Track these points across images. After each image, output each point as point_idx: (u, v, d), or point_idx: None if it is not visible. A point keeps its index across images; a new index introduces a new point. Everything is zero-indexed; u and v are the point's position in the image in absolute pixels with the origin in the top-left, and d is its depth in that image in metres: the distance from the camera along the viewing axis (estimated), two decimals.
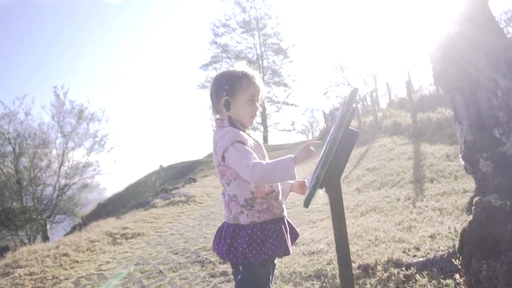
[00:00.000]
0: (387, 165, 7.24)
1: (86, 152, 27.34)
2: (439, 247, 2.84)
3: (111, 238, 5.72)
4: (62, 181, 26.33)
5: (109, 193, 31.60)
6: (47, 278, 4.28)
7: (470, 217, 2.21)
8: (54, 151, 26.53)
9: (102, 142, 27.51)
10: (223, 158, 1.83)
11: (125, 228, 6.11)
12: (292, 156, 1.76)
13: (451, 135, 8.39)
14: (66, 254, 4.96)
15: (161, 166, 32.87)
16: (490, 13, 2.32)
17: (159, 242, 5.35)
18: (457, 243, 2.38)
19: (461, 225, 2.32)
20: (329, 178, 1.80)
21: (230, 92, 1.91)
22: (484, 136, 2.16)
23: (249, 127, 2.08)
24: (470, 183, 4.65)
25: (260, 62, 38.18)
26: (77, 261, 4.78)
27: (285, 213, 2.04)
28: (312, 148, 1.82)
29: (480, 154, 2.16)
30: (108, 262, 4.67)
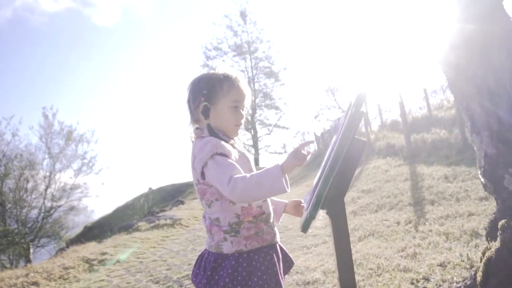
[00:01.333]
0: (383, 187, 6.93)
1: (74, 174, 26.79)
2: (453, 278, 2.49)
3: (87, 265, 5.26)
4: (48, 204, 25.68)
5: (97, 215, 30.88)
6: None
7: (495, 244, 1.88)
8: (41, 173, 25.91)
9: (90, 164, 27.01)
10: (202, 174, 1.53)
11: (103, 253, 5.66)
12: (279, 164, 1.43)
13: (447, 156, 8.15)
14: (35, 283, 4.49)
15: (150, 188, 32.28)
16: (506, 9, 2.05)
17: (139, 269, 4.91)
18: (474, 273, 2.04)
19: (482, 253, 1.99)
20: (332, 197, 1.48)
21: (209, 97, 1.62)
22: (509, 148, 1.86)
23: (234, 138, 1.77)
24: (474, 206, 4.35)
25: (252, 85, 38.24)
26: None
27: (277, 238, 1.70)
28: (304, 152, 1.46)
29: (505, 169, 1.86)
30: None
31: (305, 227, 1.45)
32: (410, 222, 4.36)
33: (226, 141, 1.62)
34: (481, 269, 1.89)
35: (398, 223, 4.48)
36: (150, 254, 5.67)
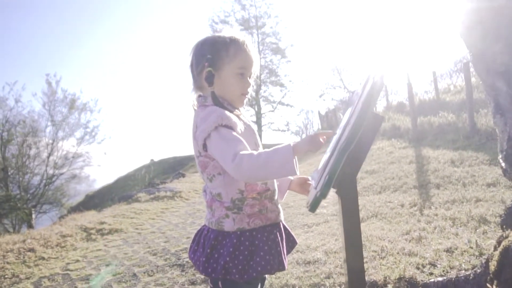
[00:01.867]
0: (387, 168, 6.81)
1: (76, 143, 26.88)
2: (461, 265, 2.39)
3: (85, 234, 5.21)
4: (50, 171, 25.84)
5: (99, 184, 31.14)
6: (6, 276, 3.78)
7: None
8: (43, 140, 25.95)
9: (93, 133, 27.05)
10: (204, 146, 1.42)
11: (102, 223, 5.61)
12: (291, 144, 1.32)
13: (454, 140, 8.00)
14: (32, 250, 4.45)
15: (152, 160, 32.34)
16: None
17: (137, 240, 4.86)
18: (485, 262, 1.93)
19: (497, 242, 1.88)
20: (343, 175, 1.36)
21: (214, 62, 1.49)
22: None
23: (239, 108, 1.64)
24: (481, 192, 4.23)
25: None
26: (43, 258, 4.28)
27: (281, 216, 1.60)
28: (321, 140, 1.37)
29: None
30: (78, 260, 4.17)
31: (313, 206, 1.33)
32: (415, 205, 4.26)
33: (231, 111, 1.49)
34: (495, 258, 1.78)
35: (402, 205, 4.38)
36: (149, 226, 5.62)
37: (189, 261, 3.68)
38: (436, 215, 3.73)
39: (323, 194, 1.20)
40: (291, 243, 1.65)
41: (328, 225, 4.20)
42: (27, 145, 25.39)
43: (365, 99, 1.16)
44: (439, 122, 9.72)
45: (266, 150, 1.34)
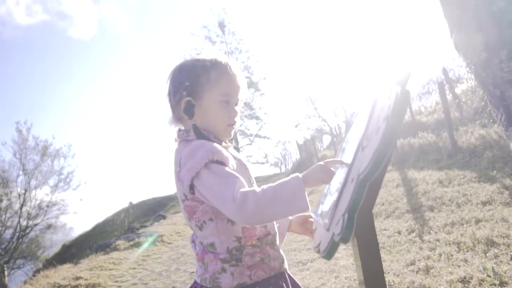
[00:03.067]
0: None
1: (50, 191, 25.97)
2: None
3: None
4: (24, 222, 24.73)
5: (76, 232, 29.96)
6: None
7: None
8: (16, 190, 24.89)
9: (67, 180, 26.25)
10: (191, 188, 1.19)
11: (77, 278, 5.13)
12: (300, 175, 1.14)
13: (437, 160, 7.93)
14: None
15: (130, 203, 31.40)
16: None
17: None
18: None
19: None
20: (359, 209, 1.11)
21: (193, 90, 1.29)
22: None
23: (227, 141, 1.40)
24: (478, 211, 4.06)
25: None
26: None
27: (285, 264, 1.34)
28: (333, 169, 1.20)
29: None
30: None
31: (330, 253, 1.08)
32: (413, 231, 4.04)
33: (219, 145, 1.26)
34: None
35: (399, 232, 4.15)
36: (130, 277, 5.17)
37: None
38: (438, 240, 3.50)
39: (344, 238, 0.95)
40: None
41: (324, 261, 3.91)
42: None
43: (390, 121, 0.93)
44: (419, 143, 9.71)
45: (271, 185, 1.12)
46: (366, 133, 1.13)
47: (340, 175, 1.27)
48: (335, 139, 19.33)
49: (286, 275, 1.32)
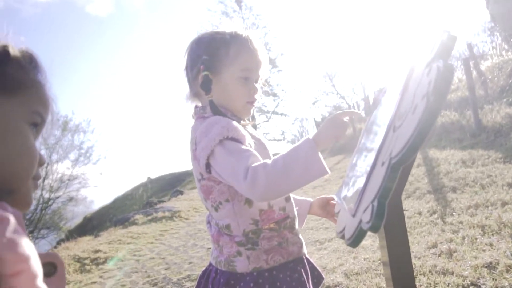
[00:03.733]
0: None
1: (71, 165, 26.47)
2: (511, 284, 2.06)
3: (79, 264, 4.84)
4: (46, 195, 25.40)
5: (97, 206, 30.72)
6: None
7: None
8: None
9: (87, 154, 26.72)
10: (207, 167, 1.14)
11: (97, 251, 5.24)
12: (310, 137, 1.08)
13: (460, 139, 7.71)
14: None
15: (149, 177, 31.89)
16: None
17: (135, 268, 4.49)
18: None
19: None
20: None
21: (211, 65, 1.22)
22: None
23: (246, 119, 1.33)
24: (504, 194, 3.91)
25: None
26: None
27: (304, 248, 1.28)
28: (345, 120, 1.13)
29: None
30: None
31: (356, 241, 1.00)
32: (434, 213, 3.93)
33: (237, 122, 1.19)
34: None
35: (420, 213, 4.05)
36: (148, 251, 5.25)
37: None
38: (461, 222, 3.39)
39: (374, 227, 0.87)
40: (317, 279, 1.35)
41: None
42: None
43: (431, 99, 0.83)
44: (441, 121, 9.44)
45: (281, 153, 1.06)
46: (398, 113, 1.03)
47: (368, 157, 1.19)
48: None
49: (305, 260, 1.26)
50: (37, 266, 0.46)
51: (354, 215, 1.07)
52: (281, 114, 37.38)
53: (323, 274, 1.37)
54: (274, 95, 37.43)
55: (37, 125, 0.65)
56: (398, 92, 1.13)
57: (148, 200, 13.81)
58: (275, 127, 50.25)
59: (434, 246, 2.99)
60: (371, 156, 1.16)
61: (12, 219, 0.45)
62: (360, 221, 0.98)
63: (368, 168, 1.13)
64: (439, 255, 2.78)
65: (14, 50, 0.62)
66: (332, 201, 1.46)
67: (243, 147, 1.11)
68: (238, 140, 1.10)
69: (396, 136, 0.95)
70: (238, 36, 1.24)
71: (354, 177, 1.33)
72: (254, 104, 1.28)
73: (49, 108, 0.68)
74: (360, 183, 1.17)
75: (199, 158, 1.12)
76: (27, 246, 0.46)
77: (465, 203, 3.88)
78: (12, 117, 0.60)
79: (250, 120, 1.37)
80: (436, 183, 5.08)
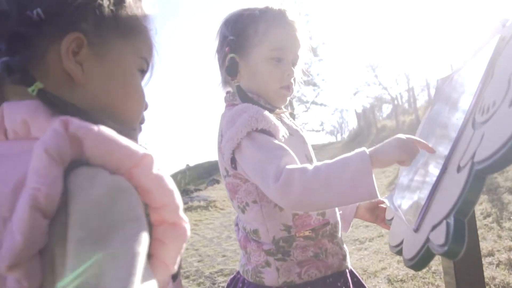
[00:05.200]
0: None
1: None
2: None
3: None
4: None
5: None
6: None
7: None
8: None
9: None
10: (233, 162, 1.01)
11: None
12: (367, 151, 0.89)
13: None
14: None
15: (187, 165, 32.35)
16: None
17: None
18: None
19: None
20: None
21: (239, 45, 1.08)
22: None
23: (281, 107, 1.15)
24: None
25: None
26: None
27: (347, 261, 1.09)
28: (417, 147, 0.91)
29: None
30: None
31: (421, 264, 0.80)
32: (488, 216, 3.59)
33: (271, 111, 1.05)
34: None
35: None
36: None
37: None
38: None
39: (453, 253, 0.67)
40: None
41: (384, 240, 3.61)
42: None
43: None
44: None
45: (327, 162, 0.89)
46: (482, 104, 0.80)
47: (432, 159, 0.97)
48: (396, 108, 18.36)
49: (348, 274, 1.08)
50: (178, 199, 0.50)
51: (416, 230, 0.87)
52: (321, 105, 36.81)
53: (363, 281, 1.19)
54: (314, 84, 36.84)
55: (143, 71, 0.65)
56: (476, 79, 0.91)
57: (185, 187, 13.93)
58: (314, 118, 49.67)
59: (491, 254, 2.70)
60: (437, 158, 0.95)
61: (155, 156, 0.47)
62: (427, 240, 0.77)
63: (432, 172, 0.92)
64: (497, 265, 2.49)
65: None
66: (382, 205, 1.27)
67: (276, 142, 0.95)
68: (269, 133, 0.95)
69: (480, 135, 0.73)
70: (269, 10, 1.08)
71: (413, 182, 1.12)
72: (290, 89, 1.11)
73: (153, 55, 0.67)
74: (422, 189, 0.96)
75: (224, 151, 0.98)
76: (169, 181, 0.49)
77: None
78: (127, 60, 0.61)
79: (288, 108, 1.20)
80: (489, 183, 4.68)
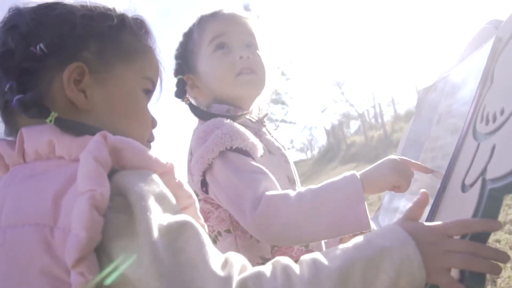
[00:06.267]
0: None
1: None
2: None
3: None
4: None
5: None
6: None
7: None
8: None
9: None
10: (203, 185, 0.89)
11: None
12: (357, 174, 0.79)
13: None
14: None
15: None
16: None
17: None
18: None
19: None
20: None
21: (185, 65, 1.05)
22: None
23: (264, 119, 1.04)
24: None
25: None
26: None
27: None
28: (412, 170, 0.83)
29: None
30: None
31: None
32: None
33: (244, 123, 0.96)
34: None
35: None
36: None
37: None
38: None
39: None
40: None
41: None
42: None
43: None
44: None
45: (312, 187, 0.79)
46: (483, 112, 0.70)
47: (424, 176, 0.86)
48: (364, 124, 18.71)
49: None
50: (196, 202, 0.59)
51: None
52: (290, 122, 37.11)
53: None
54: (283, 103, 37.19)
55: (148, 90, 0.67)
56: (470, 85, 0.81)
57: None
58: (284, 136, 50.23)
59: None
60: (429, 176, 0.84)
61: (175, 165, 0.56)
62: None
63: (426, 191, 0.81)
64: None
65: (128, 17, 0.63)
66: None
67: (253, 163, 0.84)
68: (245, 152, 0.85)
69: (489, 147, 0.62)
70: (202, 18, 1.02)
71: (402, 201, 1.01)
72: (251, 72, 0.97)
73: (159, 73, 0.69)
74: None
75: (193, 172, 0.87)
76: (188, 186, 0.58)
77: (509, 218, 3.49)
78: (130, 83, 0.63)
79: (260, 113, 1.08)
80: None
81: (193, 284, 0.44)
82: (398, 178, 0.77)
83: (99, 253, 0.44)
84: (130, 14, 0.64)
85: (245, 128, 0.90)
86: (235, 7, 1.04)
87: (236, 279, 0.47)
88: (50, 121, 0.54)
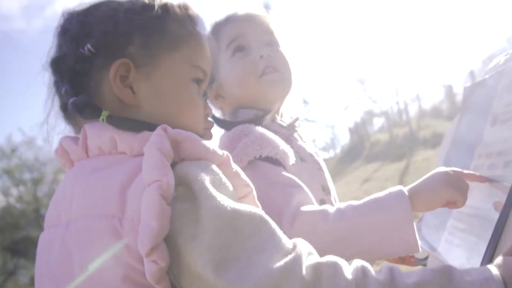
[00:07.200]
0: None
1: None
2: None
3: None
4: None
5: None
6: None
7: None
8: None
9: None
10: None
11: None
12: (405, 190, 0.71)
13: None
14: None
15: None
16: None
17: None
18: None
19: None
20: None
21: (211, 76, 0.90)
22: None
23: (296, 124, 1.02)
24: None
25: None
26: None
27: None
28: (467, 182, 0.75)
29: None
30: None
31: None
32: None
33: (274, 129, 0.89)
34: None
35: None
36: None
37: None
38: None
39: None
40: None
41: None
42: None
43: None
44: None
45: (352, 203, 0.73)
46: None
47: (478, 189, 0.76)
48: (388, 121, 18.36)
49: None
50: (254, 190, 0.60)
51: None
52: (311, 121, 36.90)
53: None
54: (304, 101, 37.00)
55: (199, 80, 0.65)
56: None
57: None
58: (306, 135, 49.96)
59: None
60: (487, 188, 0.74)
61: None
62: None
63: (479, 204, 0.72)
64: None
65: (172, 5, 0.63)
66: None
67: (285, 174, 0.78)
68: (276, 162, 0.80)
69: None
70: (214, 26, 0.95)
71: (445, 216, 0.91)
72: (275, 71, 0.91)
73: (210, 61, 0.67)
74: (471, 228, 0.75)
75: None
76: (244, 175, 0.59)
77: None
78: (177, 73, 0.62)
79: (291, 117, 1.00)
80: None
81: (260, 269, 0.45)
82: (454, 193, 0.69)
83: (166, 241, 0.45)
84: (174, 1, 0.63)
85: (275, 134, 0.83)
86: (251, 7, 0.98)
87: (305, 262, 0.48)
88: (102, 120, 0.55)
